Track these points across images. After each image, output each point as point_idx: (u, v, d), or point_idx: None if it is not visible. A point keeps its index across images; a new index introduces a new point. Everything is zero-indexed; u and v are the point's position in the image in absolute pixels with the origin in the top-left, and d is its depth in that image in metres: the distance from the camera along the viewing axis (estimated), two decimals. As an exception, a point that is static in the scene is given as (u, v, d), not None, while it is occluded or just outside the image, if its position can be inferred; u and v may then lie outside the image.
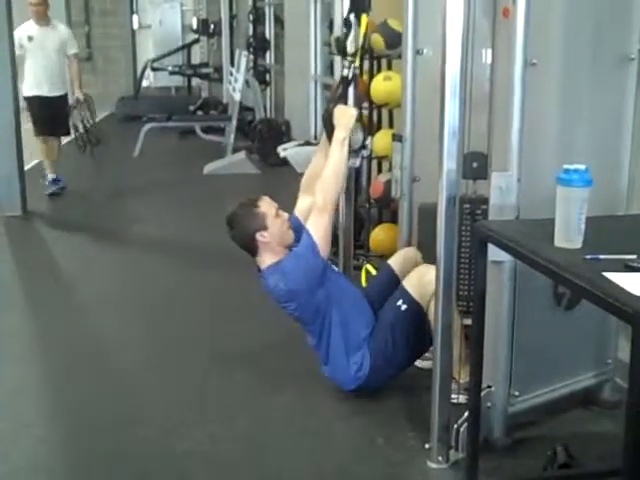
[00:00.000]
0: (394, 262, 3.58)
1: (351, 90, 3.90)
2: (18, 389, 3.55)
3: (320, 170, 3.37)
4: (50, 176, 7.55)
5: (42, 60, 7.29)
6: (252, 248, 3.27)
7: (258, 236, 3.22)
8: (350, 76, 3.84)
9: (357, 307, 3.35)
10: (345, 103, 3.78)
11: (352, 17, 3.87)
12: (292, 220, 3.38)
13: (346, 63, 3.85)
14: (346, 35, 3.89)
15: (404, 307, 3.26)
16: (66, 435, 3.17)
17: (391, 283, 3.45)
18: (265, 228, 3.22)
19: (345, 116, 3.45)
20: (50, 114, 7.35)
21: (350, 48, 3.84)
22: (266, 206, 3.28)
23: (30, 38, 7.22)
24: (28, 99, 7.41)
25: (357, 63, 3.85)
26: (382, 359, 3.26)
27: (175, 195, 7.53)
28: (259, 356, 3.81)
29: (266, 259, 3.26)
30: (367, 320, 3.33)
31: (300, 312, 3.28)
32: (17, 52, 6.98)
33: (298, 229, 3.31)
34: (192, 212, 6.90)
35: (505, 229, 2.34)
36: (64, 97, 7.56)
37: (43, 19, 7.36)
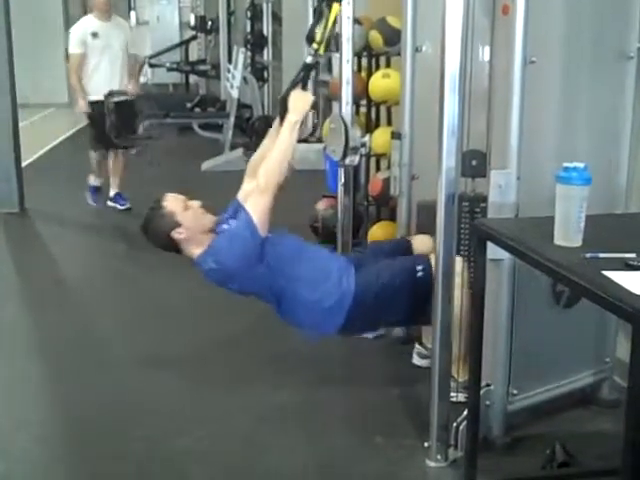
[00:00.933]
0: (412, 238, 3.55)
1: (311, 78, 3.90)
2: (15, 385, 3.55)
3: (267, 153, 3.32)
4: (113, 191, 7.03)
5: (109, 60, 6.63)
6: (174, 247, 3.24)
7: (174, 234, 3.19)
8: (312, 63, 3.84)
9: (314, 260, 3.29)
10: (304, 89, 3.77)
11: (324, 6, 3.88)
12: (232, 203, 3.34)
13: (311, 50, 3.85)
14: (315, 23, 3.89)
15: (420, 274, 3.17)
16: (64, 433, 3.17)
17: (403, 250, 3.44)
18: (178, 225, 3.19)
19: (301, 100, 3.38)
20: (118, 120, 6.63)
21: (318, 37, 3.83)
22: (171, 203, 3.24)
23: (94, 35, 6.51)
24: (94, 104, 6.60)
25: (321, 51, 3.85)
26: (370, 299, 3.18)
27: (173, 192, 7.48)
28: (258, 354, 3.81)
29: (194, 250, 3.21)
30: (330, 267, 3.26)
31: (245, 289, 3.24)
32: (78, 51, 6.52)
33: (237, 209, 3.25)
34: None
35: (505, 227, 2.33)
36: (132, 102, 6.86)
37: (108, 13, 6.67)
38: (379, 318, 3.30)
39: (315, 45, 3.82)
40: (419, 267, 3.20)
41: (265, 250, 3.18)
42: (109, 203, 7.02)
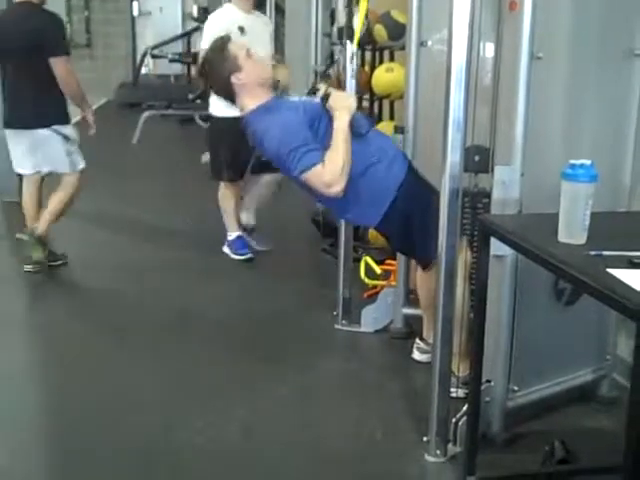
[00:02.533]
0: None
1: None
2: (15, 376, 3.54)
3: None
4: (235, 234, 5.20)
5: None
6: (230, 93, 3.21)
7: (233, 79, 3.16)
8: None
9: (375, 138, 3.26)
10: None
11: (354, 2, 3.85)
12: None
13: (340, 47, 3.81)
14: (350, 20, 3.85)
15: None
16: (63, 424, 3.16)
17: None
18: (239, 69, 3.16)
19: (346, 101, 3.24)
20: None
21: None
22: (236, 47, 3.21)
23: (242, 30, 4.80)
24: (221, 121, 4.93)
25: (354, 47, 3.83)
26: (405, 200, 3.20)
27: (173, 183, 7.51)
28: (259, 344, 3.81)
29: (247, 102, 3.18)
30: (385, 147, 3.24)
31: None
32: None
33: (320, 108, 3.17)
34: (189, 200, 6.87)
35: (509, 223, 2.34)
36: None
37: (251, 4, 5.14)
38: (412, 231, 3.26)
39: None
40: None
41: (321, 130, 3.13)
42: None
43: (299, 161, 3.03)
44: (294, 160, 3.04)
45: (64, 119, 4.88)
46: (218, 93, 3.25)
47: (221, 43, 3.24)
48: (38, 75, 4.66)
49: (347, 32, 3.77)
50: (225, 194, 5.19)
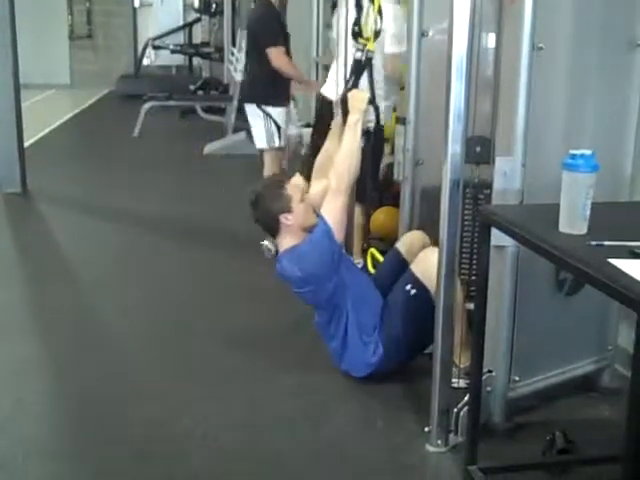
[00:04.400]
0: (401, 245, 3.56)
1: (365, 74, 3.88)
2: (17, 366, 3.55)
3: (333, 154, 3.35)
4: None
5: None
6: (274, 229, 3.26)
7: (282, 218, 3.21)
8: (363, 60, 3.83)
9: (369, 293, 3.34)
10: (355, 86, 3.78)
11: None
12: None
13: (360, 46, 3.81)
14: (358, 17, 3.85)
15: (413, 292, 3.24)
16: (65, 414, 3.17)
17: (399, 267, 3.44)
18: (290, 211, 3.21)
19: (357, 99, 3.44)
20: None
21: (366, 31, 3.79)
22: (292, 189, 3.27)
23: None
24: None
25: (370, 46, 3.82)
26: (394, 344, 3.25)
27: (175, 175, 7.52)
28: (260, 337, 3.81)
29: (286, 242, 3.25)
30: (378, 306, 3.32)
31: (314, 297, 3.29)
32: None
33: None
34: (192, 192, 6.88)
35: (510, 214, 2.34)
36: None
37: None
38: (412, 350, 3.32)
39: (363, 40, 3.78)
40: (407, 287, 3.26)
41: (342, 260, 3.25)
42: None
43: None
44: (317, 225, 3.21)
45: None
46: (263, 226, 3.33)
47: (280, 180, 3.34)
48: None
49: (354, 33, 3.81)
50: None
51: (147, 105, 9.79)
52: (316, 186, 3.47)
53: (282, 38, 5.48)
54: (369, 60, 3.88)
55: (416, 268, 3.27)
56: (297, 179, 3.55)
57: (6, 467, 2.76)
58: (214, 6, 13.29)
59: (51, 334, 3.93)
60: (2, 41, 6.61)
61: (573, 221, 2.09)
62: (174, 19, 14.94)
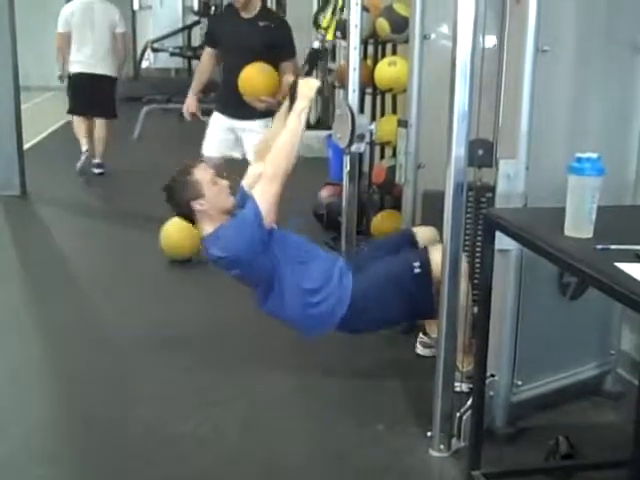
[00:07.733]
0: (417, 230, 3.52)
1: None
2: (16, 367, 3.54)
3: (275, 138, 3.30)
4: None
5: None
6: (190, 216, 3.23)
7: (196, 205, 3.17)
8: (319, 49, 3.83)
9: (318, 261, 3.28)
10: (309, 75, 3.77)
11: None
12: (239, 190, 3.33)
13: (319, 36, 3.83)
14: (322, 8, 3.88)
15: (417, 271, 3.14)
16: (64, 416, 3.15)
17: (407, 243, 3.41)
18: (201, 196, 3.16)
19: (307, 87, 3.35)
20: None
21: (325, 22, 3.81)
22: (201, 173, 3.21)
23: None
24: None
25: (329, 37, 3.83)
26: (362, 302, 3.18)
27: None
28: (260, 337, 3.80)
29: (206, 227, 3.19)
30: (323, 268, 3.25)
31: (245, 277, 3.24)
32: None
33: (244, 197, 3.24)
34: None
35: (514, 217, 2.32)
36: None
37: None
38: (378, 320, 3.28)
39: (322, 30, 3.80)
40: (415, 264, 3.17)
41: (272, 241, 3.16)
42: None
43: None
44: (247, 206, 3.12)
45: None
46: (179, 215, 3.29)
47: (187, 166, 3.24)
48: None
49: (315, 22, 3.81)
50: None
51: (146, 108, 9.77)
52: (254, 169, 3.42)
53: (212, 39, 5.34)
54: (325, 50, 3.89)
55: (433, 255, 3.14)
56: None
57: (6, 469, 2.74)
58: (213, 9, 13.32)
59: (50, 336, 3.92)
60: (2, 43, 6.60)
61: (579, 225, 2.08)
62: (173, 22, 14.97)
